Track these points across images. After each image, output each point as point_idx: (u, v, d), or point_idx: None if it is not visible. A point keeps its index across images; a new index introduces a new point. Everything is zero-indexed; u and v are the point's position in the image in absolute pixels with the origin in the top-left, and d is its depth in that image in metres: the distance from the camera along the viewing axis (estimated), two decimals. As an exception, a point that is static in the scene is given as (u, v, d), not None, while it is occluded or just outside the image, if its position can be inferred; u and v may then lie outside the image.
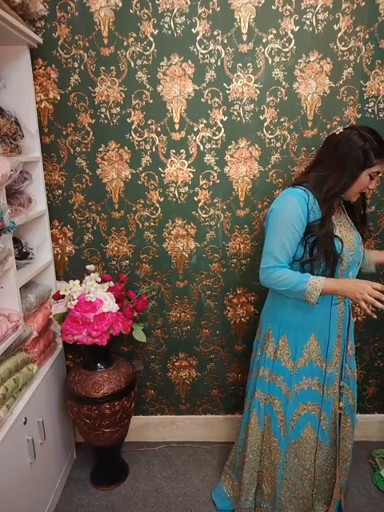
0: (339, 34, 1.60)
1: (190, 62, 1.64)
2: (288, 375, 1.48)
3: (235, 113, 1.69)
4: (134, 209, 1.81)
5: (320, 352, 1.46)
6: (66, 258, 1.88)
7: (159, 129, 1.71)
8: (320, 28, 1.60)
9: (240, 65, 1.64)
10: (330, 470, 1.57)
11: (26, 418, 1.44)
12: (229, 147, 1.73)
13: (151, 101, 1.68)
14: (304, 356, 1.46)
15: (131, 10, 1.59)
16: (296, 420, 1.49)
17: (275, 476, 1.56)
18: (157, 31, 1.61)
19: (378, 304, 1.19)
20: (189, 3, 1.58)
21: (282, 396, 1.50)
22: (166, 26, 1.60)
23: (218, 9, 1.58)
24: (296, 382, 1.47)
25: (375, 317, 1.28)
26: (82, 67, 1.65)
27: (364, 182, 1.33)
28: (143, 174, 1.77)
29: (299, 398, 1.48)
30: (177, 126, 1.71)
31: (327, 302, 1.41)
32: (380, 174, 1.34)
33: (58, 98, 1.68)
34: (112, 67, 1.65)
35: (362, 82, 1.66)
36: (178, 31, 1.61)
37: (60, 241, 1.86)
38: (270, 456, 1.57)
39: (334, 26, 1.60)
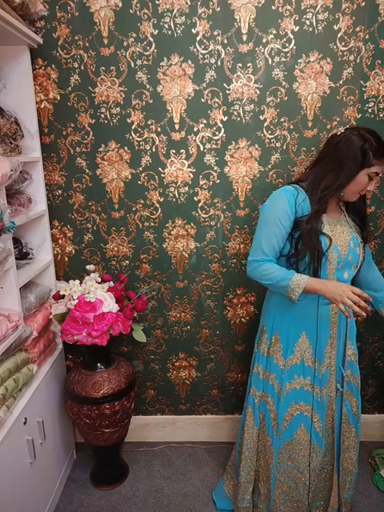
0: (339, 34, 1.60)
1: (190, 62, 1.64)
2: (280, 373, 1.48)
3: (235, 113, 1.69)
4: (134, 209, 1.81)
5: (312, 351, 1.46)
6: (66, 258, 1.88)
7: (159, 129, 1.71)
8: (320, 28, 1.60)
9: (240, 65, 1.64)
10: (329, 476, 1.55)
11: (25, 418, 1.44)
12: (229, 147, 1.73)
13: (151, 101, 1.68)
14: (296, 354, 1.46)
15: (131, 10, 1.59)
16: (289, 420, 1.49)
17: (270, 476, 1.56)
18: (157, 31, 1.61)
19: (356, 308, 1.21)
20: (189, 3, 1.58)
21: (275, 394, 1.50)
22: (166, 26, 1.60)
23: (218, 9, 1.58)
24: (288, 381, 1.47)
25: (351, 318, 1.33)
26: (82, 67, 1.65)
27: (362, 183, 1.33)
28: (143, 174, 1.77)
29: (291, 397, 1.48)
30: (177, 126, 1.71)
31: (314, 301, 1.41)
32: (379, 175, 1.34)
33: (58, 98, 1.68)
34: (112, 67, 1.65)
35: (362, 82, 1.66)
36: (178, 31, 1.61)
37: (60, 241, 1.86)
38: (265, 455, 1.57)
39: (334, 26, 1.60)
